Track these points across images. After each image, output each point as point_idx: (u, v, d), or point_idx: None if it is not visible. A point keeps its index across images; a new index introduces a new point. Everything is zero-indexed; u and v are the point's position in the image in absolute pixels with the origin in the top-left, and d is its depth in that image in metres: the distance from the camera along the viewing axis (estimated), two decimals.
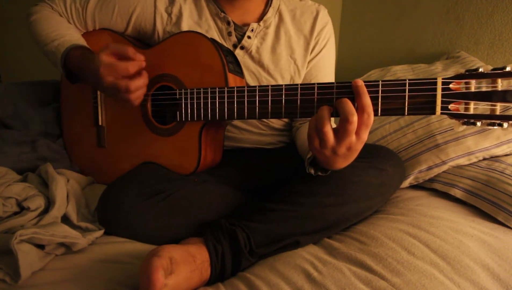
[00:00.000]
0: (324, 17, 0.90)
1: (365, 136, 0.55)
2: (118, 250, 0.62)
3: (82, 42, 0.81)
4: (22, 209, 0.69)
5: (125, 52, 0.67)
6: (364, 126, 0.54)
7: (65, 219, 0.68)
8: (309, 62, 0.90)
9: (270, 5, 0.86)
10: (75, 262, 0.58)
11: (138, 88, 0.68)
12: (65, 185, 0.74)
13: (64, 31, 0.81)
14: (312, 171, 0.66)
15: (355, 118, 0.52)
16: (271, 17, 0.86)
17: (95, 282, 0.54)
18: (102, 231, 0.66)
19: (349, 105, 0.53)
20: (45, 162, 0.82)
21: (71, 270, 0.57)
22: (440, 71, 1.16)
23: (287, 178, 0.74)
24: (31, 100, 0.97)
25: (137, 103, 0.70)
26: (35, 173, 0.79)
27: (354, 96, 0.55)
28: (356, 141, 0.55)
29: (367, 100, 0.54)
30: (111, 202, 0.67)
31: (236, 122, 0.89)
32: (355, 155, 0.58)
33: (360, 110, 0.54)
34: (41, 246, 0.57)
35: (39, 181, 0.76)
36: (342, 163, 0.60)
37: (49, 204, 0.70)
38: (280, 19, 0.87)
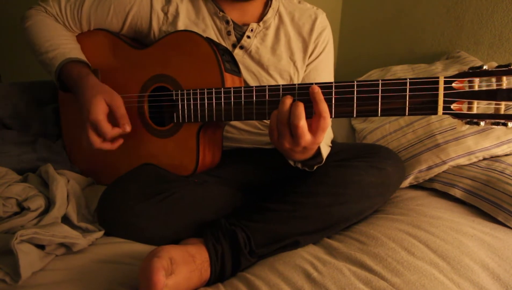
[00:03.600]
0: (323, 21, 0.90)
1: (320, 138, 0.58)
2: (118, 251, 0.62)
3: (77, 52, 0.81)
4: (22, 209, 0.69)
5: (118, 119, 0.71)
6: (320, 130, 0.57)
7: (65, 220, 0.68)
8: (307, 66, 0.90)
9: (270, 6, 0.86)
10: (75, 263, 0.58)
11: (100, 148, 0.72)
12: (65, 186, 0.74)
13: (58, 40, 0.80)
14: (300, 166, 0.69)
15: (302, 122, 0.56)
16: (271, 18, 0.86)
17: (95, 283, 0.54)
18: (102, 232, 0.66)
19: (299, 109, 0.56)
20: (45, 162, 0.82)
21: (71, 271, 0.57)
22: (440, 71, 1.16)
23: (286, 178, 0.74)
24: (31, 100, 0.97)
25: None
26: (35, 174, 0.79)
27: (312, 102, 0.57)
28: (312, 142, 0.58)
29: (323, 106, 0.56)
30: (111, 203, 0.67)
31: (235, 123, 0.88)
32: (311, 152, 0.63)
33: (317, 115, 0.57)
34: (41, 247, 0.57)
35: (39, 182, 0.76)
36: (299, 157, 0.64)
37: (50, 204, 0.70)
38: (280, 20, 0.88)
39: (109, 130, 0.70)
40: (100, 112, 0.69)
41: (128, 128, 0.72)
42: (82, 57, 0.80)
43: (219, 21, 0.84)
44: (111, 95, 0.72)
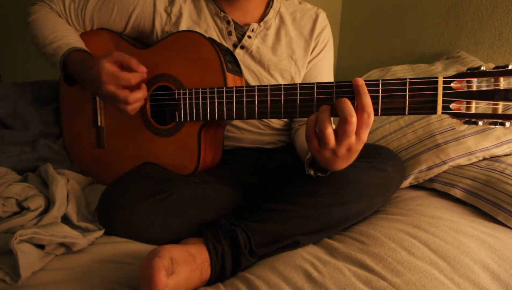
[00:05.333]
0: (323, 20, 0.92)
1: (365, 136, 0.54)
2: (118, 250, 0.62)
3: (81, 44, 0.81)
4: (22, 209, 0.69)
5: (128, 62, 0.69)
6: (364, 126, 0.53)
7: (65, 219, 0.68)
8: (309, 63, 0.91)
9: (271, 7, 0.87)
10: (75, 262, 0.58)
11: (136, 100, 0.70)
12: (65, 185, 0.74)
13: (63, 32, 0.81)
14: (312, 172, 0.66)
15: (354, 119, 0.52)
16: (272, 18, 0.87)
17: (95, 282, 0.54)
18: (102, 231, 0.66)
19: (348, 105, 0.53)
20: (45, 162, 0.82)
21: (71, 270, 0.56)
22: (440, 71, 1.16)
23: (287, 178, 0.74)
24: (31, 100, 0.97)
25: (133, 113, 0.72)
26: (35, 173, 0.79)
27: (354, 95, 0.54)
28: (356, 142, 0.54)
29: (367, 100, 0.53)
30: (111, 202, 0.67)
31: (236, 122, 0.89)
32: (355, 155, 0.57)
33: (360, 110, 0.53)
34: (41, 246, 0.57)
35: (39, 181, 0.76)
36: (342, 164, 0.59)
37: (49, 204, 0.70)
38: (281, 21, 0.88)
39: (129, 74, 0.68)
40: (111, 66, 0.68)
41: (144, 68, 0.71)
42: (86, 49, 0.81)
43: (220, 22, 0.84)
44: (112, 54, 0.70)
